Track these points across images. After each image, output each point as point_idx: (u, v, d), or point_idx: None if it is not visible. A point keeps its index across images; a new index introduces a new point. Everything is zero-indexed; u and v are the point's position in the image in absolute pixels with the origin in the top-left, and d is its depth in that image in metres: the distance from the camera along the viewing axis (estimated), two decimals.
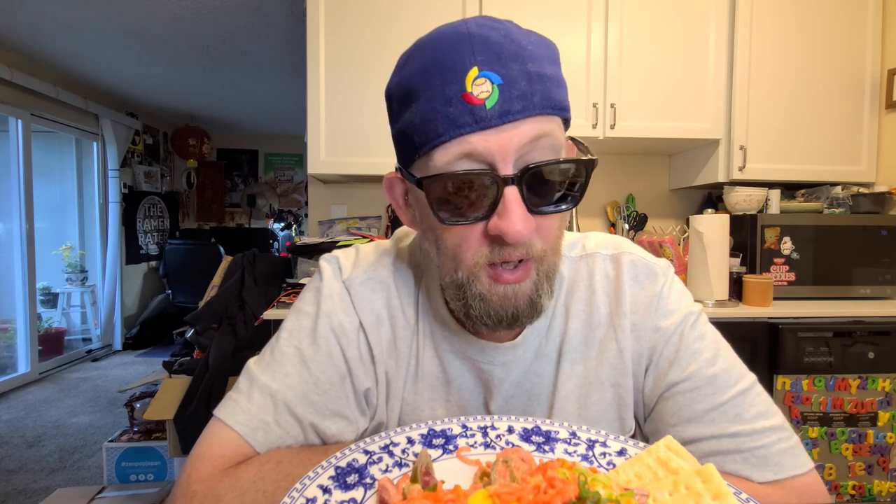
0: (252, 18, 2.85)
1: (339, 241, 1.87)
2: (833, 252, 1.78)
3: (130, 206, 4.65)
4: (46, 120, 3.66)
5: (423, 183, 0.42)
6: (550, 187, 0.43)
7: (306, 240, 1.92)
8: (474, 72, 0.40)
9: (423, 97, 0.42)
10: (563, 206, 0.45)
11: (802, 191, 2.05)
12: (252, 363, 0.57)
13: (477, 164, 0.41)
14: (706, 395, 0.52)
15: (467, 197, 0.42)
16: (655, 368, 0.55)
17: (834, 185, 1.97)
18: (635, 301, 0.56)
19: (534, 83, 0.41)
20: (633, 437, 0.57)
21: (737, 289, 1.72)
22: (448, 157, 0.41)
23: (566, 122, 0.46)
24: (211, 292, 1.89)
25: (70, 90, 3.77)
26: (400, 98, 0.46)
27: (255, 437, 0.49)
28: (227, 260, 1.91)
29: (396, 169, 0.50)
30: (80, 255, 4.31)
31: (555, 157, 0.43)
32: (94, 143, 4.25)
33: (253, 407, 0.50)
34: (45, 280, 4.08)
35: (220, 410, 0.51)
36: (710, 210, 2.10)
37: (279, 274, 1.93)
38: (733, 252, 1.80)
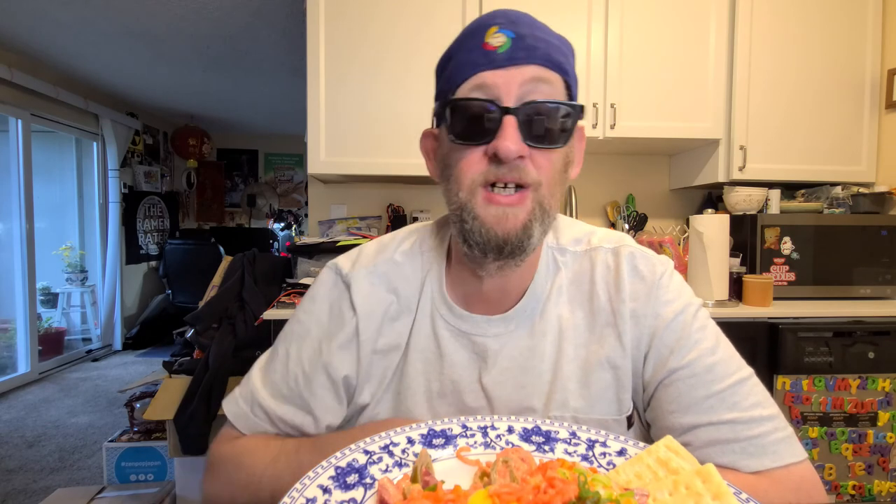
0: (252, 18, 2.85)
1: (339, 241, 1.87)
2: (833, 252, 1.78)
3: (130, 206, 4.65)
4: (46, 120, 3.66)
5: (446, 107, 0.51)
6: (542, 124, 0.51)
7: (306, 240, 1.92)
8: (493, 29, 0.51)
9: (455, 57, 0.53)
10: (555, 144, 0.52)
11: (802, 191, 2.05)
12: (256, 363, 0.66)
13: (487, 96, 0.50)
14: (705, 383, 0.53)
15: (475, 123, 0.50)
16: (656, 355, 0.57)
17: (834, 185, 1.97)
18: (634, 289, 0.59)
19: (539, 42, 0.51)
20: (630, 418, 0.58)
21: (737, 289, 1.72)
22: (465, 90, 0.51)
23: (569, 90, 0.54)
24: (211, 292, 1.89)
25: (70, 90, 3.77)
26: (442, 65, 0.56)
27: (239, 424, 0.61)
28: (227, 260, 1.91)
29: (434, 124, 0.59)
30: (80, 255, 4.31)
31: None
32: (94, 143, 4.25)
33: (241, 401, 0.62)
34: (45, 280, 4.08)
35: (225, 401, 0.63)
36: (710, 210, 2.10)
37: (279, 274, 1.93)
38: (733, 252, 1.79)
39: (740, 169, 1.90)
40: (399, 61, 1.86)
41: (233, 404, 0.62)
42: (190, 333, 1.83)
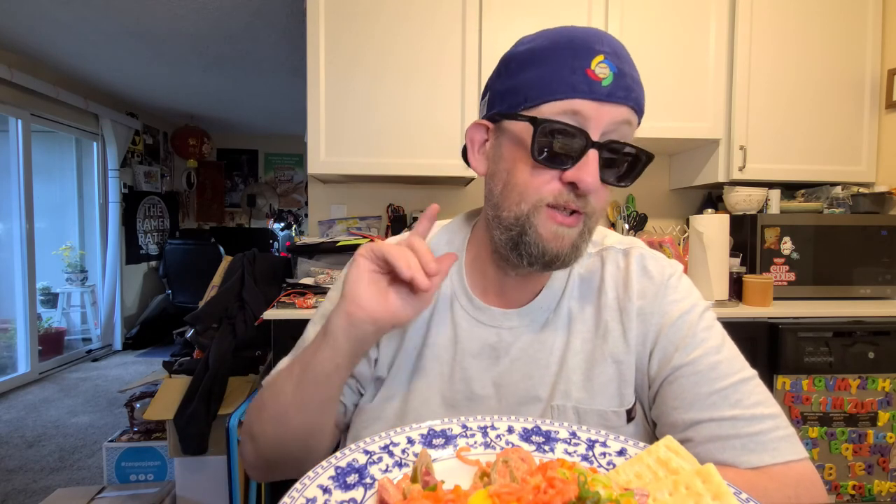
0: (252, 18, 2.85)
1: (339, 241, 1.87)
2: (833, 252, 1.78)
3: (130, 206, 4.65)
4: (46, 120, 3.66)
5: (537, 121, 0.51)
6: (617, 164, 0.54)
7: (306, 240, 1.92)
8: (600, 57, 0.50)
9: (547, 64, 0.52)
10: (621, 183, 0.55)
11: (802, 191, 2.05)
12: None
13: (577, 124, 0.51)
14: (708, 380, 0.54)
15: (560, 148, 0.51)
16: (661, 352, 0.58)
17: (834, 185, 1.97)
18: (642, 288, 0.61)
19: (635, 85, 0.53)
20: (630, 412, 0.59)
21: (737, 289, 1.72)
22: (554, 110, 0.51)
23: (638, 124, 0.57)
24: (211, 292, 1.89)
25: (70, 90, 3.77)
26: (521, 61, 0.54)
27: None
28: (227, 260, 1.91)
29: (483, 118, 0.60)
30: (80, 255, 4.31)
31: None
32: (94, 143, 4.25)
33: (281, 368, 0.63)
34: (45, 280, 4.08)
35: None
36: (710, 210, 2.10)
37: (279, 274, 1.93)
38: (733, 252, 1.79)
39: (740, 169, 1.90)
40: (399, 61, 1.86)
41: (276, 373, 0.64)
42: (190, 333, 1.83)
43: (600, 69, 0.50)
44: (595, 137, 0.51)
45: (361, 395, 0.64)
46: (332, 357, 0.52)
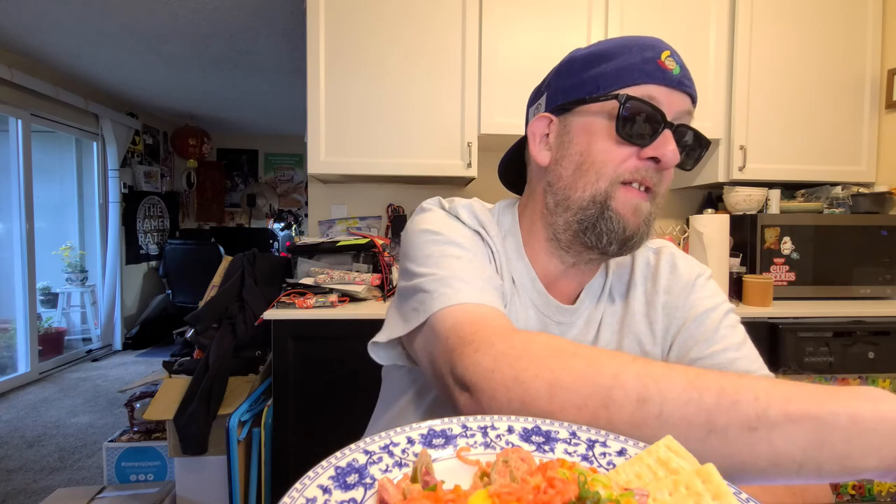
0: (252, 18, 2.85)
1: (339, 241, 1.87)
2: (833, 252, 1.78)
3: (130, 206, 4.65)
4: (46, 120, 3.66)
5: (621, 97, 0.53)
6: (687, 148, 0.57)
7: (306, 240, 1.92)
8: (668, 52, 0.55)
9: (618, 59, 0.55)
10: (687, 166, 0.59)
11: (802, 191, 2.05)
12: (410, 282, 0.56)
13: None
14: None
15: (643, 125, 0.54)
16: (681, 344, 0.60)
17: (834, 185, 1.97)
18: (669, 284, 0.63)
19: (693, 83, 0.57)
20: None
21: (737, 289, 1.72)
22: (634, 94, 0.53)
23: None
24: (211, 292, 1.89)
25: (70, 90, 3.77)
26: (587, 60, 0.57)
27: (494, 302, 0.51)
28: (227, 260, 1.91)
29: (550, 111, 0.61)
30: (80, 255, 4.31)
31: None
32: (94, 143, 4.25)
33: (461, 287, 0.51)
34: (45, 280, 4.08)
35: (433, 305, 0.50)
36: (710, 210, 2.10)
37: (279, 274, 1.93)
38: (733, 252, 1.80)
39: (740, 169, 1.90)
40: (399, 61, 1.86)
41: (458, 293, 0.51)
42: (190, 333, 1.83)
43: (669, 62, 0.54)
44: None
45: None
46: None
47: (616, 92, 0.54)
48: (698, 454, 0.33)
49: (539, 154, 0.61)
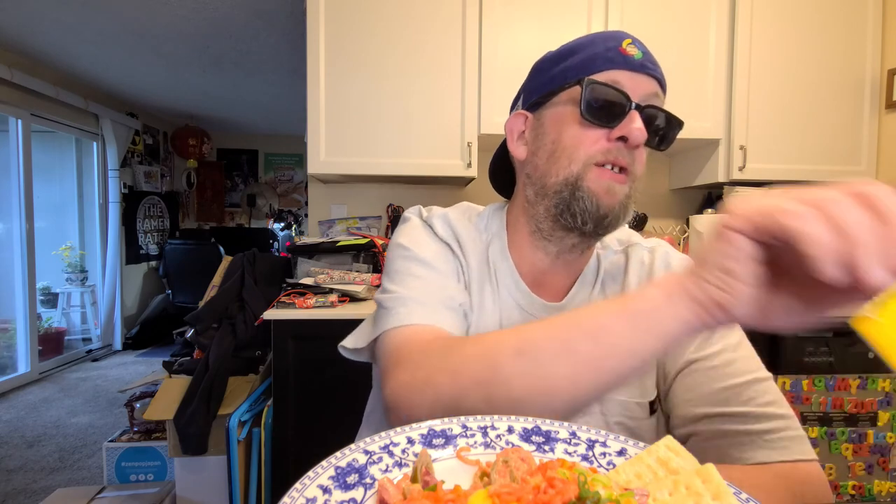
0: (252, 18, 2.85)
1: (339, 241, 1.87)
2: None
3: (130, 206, 4.65)
4: (46, 120, 3.66)
5: (584, 80, 0.55)
6: (656, 127, 0.58)
7: (306, 240, 1.92)
8: (629, 40, 0.57)
9: (583, 52, 0.58)
10: (660, 147, 0.60)
11: None
12: (380, 295, 0.61)
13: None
14: (722, 376, 0.54)
15: (608, 107, 0.55)
16: None
17: None
18: None
19: (657, 65, 0.58)
20: (653, 404, 0.59)
21: None
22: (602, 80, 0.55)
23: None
24: (211, 292, 1.89)
25: (70, 90, 3.77)
26: (557, 57, 0.61)
27: (445, 322, 0.56)
28: (227, 260, 1.91)
29: (525, 108, 0.64)
30: (80, 255, 4.31)
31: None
32: (94, 143, 4.25)
33: (414, 308, 0.56)
34: (45, 280, 4.08)
35: (387, 323, 0.55)
36: (710, 210, 2.11)
37: (279, 274, 1.93)
38: None
39: (740, 169, 1.90)
40: (399, 61, 1.86)
41: (410, 315, 0.55)
42: (190, 333, 1.83)
43: (631, 48, 0.56)
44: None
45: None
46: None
47: (580, 79, 0.56)
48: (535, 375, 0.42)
49: (517, 150, 0.64)
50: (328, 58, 1.85)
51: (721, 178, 1.94)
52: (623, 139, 0.55)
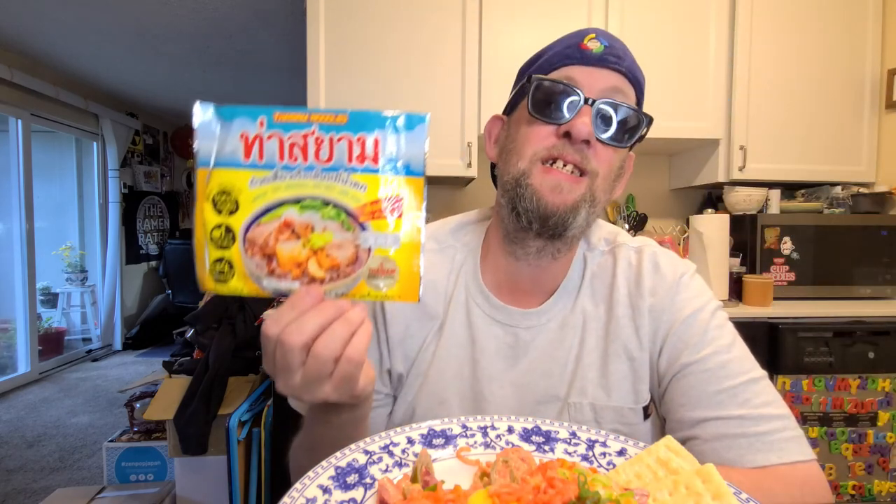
0: (252, 18, 2.85)
1: None
2: (833, 252, 1.78)
3: (130, 206, 4.65)
4: (46, 120, 3.66)
5: (531, 84, 0.55)
6: (613, 122, 0.55)
7: None
8: (592, 35, 0.56)
9: (548, 52, 0.59)
10: (621, 144, 0.56)
11: (802, 191, 2.05)
12: None
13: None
14: (717, 378, 0.54)
15: (555, 103, 0.54)
16: (670, 349, 0.58)
17: (834, 185, 1.97)
18: (654, 285, 0.61)
19: (626, 55, 0.57)
20: (647, 409, 0.59)
21: (737, 289, 1.72)
22: (553, 77, 0.55)
23: (639, 105, 0.59)
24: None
25: (70, 90, 3.77)
26: (528, 62, 0.62)
27: None
28: None
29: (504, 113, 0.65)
30: (80, 255, 4.31)
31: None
32: (94, 143, 4.25)
33: None
34: (45, 280, 4.08)
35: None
36: (710, 210, 2.10)
37: None
38: (733, 252, 1.79)
39: (740, 169, 1.90)
40: (399, 60, 1.86)
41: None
42: (190, 333, 1.83)
43: (592, 43, 0.55)
44: (590, 97, 0.54)
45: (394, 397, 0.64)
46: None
47: (530, 77, 0.56)
48: None
49: (490, 152, 0.66)
50: (328, 58, 1.85)
51: (721, 178, 1.94)
52: (568, 135, 0.54)
